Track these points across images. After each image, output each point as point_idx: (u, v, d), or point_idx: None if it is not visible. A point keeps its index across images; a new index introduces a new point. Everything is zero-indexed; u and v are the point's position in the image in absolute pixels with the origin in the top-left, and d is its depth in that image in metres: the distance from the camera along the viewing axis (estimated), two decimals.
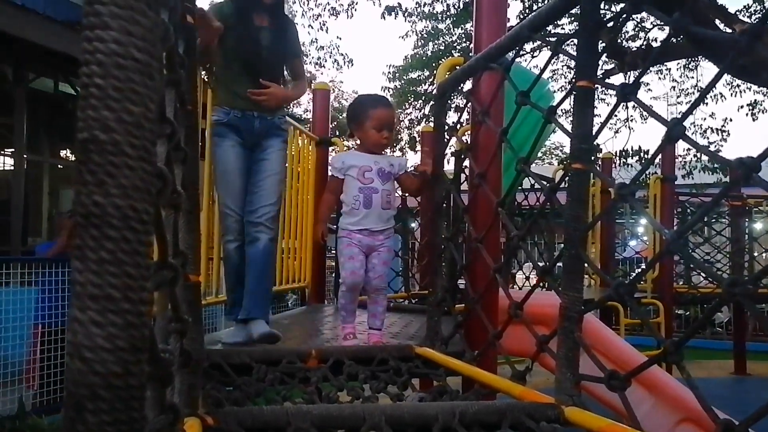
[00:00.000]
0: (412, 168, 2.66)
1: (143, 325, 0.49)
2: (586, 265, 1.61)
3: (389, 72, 17.03)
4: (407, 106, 17.43)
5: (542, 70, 1.84)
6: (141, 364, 0.49)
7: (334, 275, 5.16)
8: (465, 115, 3.03)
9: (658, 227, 5.91)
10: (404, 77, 17.08)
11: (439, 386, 1.96)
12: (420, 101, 16.88)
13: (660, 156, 6.40)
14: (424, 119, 17.06)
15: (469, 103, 2.43)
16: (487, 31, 2.53)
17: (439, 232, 2.47)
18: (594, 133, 1.56)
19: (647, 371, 1.42)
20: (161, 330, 0.99)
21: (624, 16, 1.79)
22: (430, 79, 16.76)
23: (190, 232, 1.30)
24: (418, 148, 15.06)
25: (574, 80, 1.59)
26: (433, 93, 2.92)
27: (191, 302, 1.34)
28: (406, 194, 4.15)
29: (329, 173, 2.61)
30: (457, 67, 2.61)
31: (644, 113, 14.96)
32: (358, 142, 2.62)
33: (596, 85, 1.57)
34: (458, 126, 2.73)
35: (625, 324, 5.14)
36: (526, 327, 1.73)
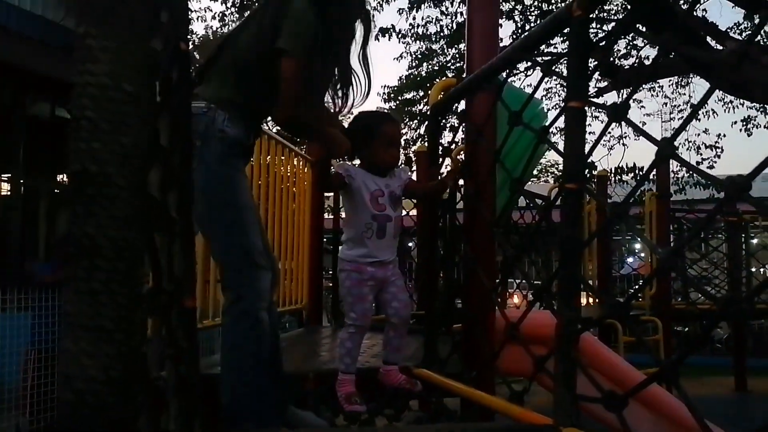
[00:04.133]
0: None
1: (137, 355, 0.49)
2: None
3: (384, 93, 17.12)
4: (403, 127, 17.51)
5: (534, 90, 1.85)
6: (134, 394, 0.49)
7: (331, 296, 5.15)
8: (460, 134, 3.05)
9: (651, 246, 5.92)
10: (399, 98, 17.17)
11: (438, 407, 1.95)
12: (415, 121, 16.96)
13: (655, 173, 6.44)
14: (420, 139, 17.14)
15: (463, 124, 2.45)
16: (479, 51, 2.54)
17: (434, 252, 2.48)
18: (586, 153, 1.57)
19: (647, 389, 1.42)
20: (156, 355, 0.99)
21: (614, 36, 1.81)
22: (425, 99, 16.87)
23: (186, 257, 1.30)
24: (414, 167, 15.14)
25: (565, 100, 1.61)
26: (427, 113, 2.87)
27: (187, 327, 1.34)
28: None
29: (336, 170, 2.32)
30: (451, 88, 2.63)
31: (634, 132, 15.05)
32: (358, 162, 2.43)
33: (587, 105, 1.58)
34: (453, 146, 2.74)
35: (624, 341, 5.13)
36: (523, 347, 1.73)
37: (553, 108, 13.48)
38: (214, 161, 1.88)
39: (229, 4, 11.38)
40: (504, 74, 2.05)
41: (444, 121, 2.81)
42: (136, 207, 0.44)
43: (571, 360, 1.50)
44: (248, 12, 2.27)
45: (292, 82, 1.88)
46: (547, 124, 1.76)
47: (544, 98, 13.27)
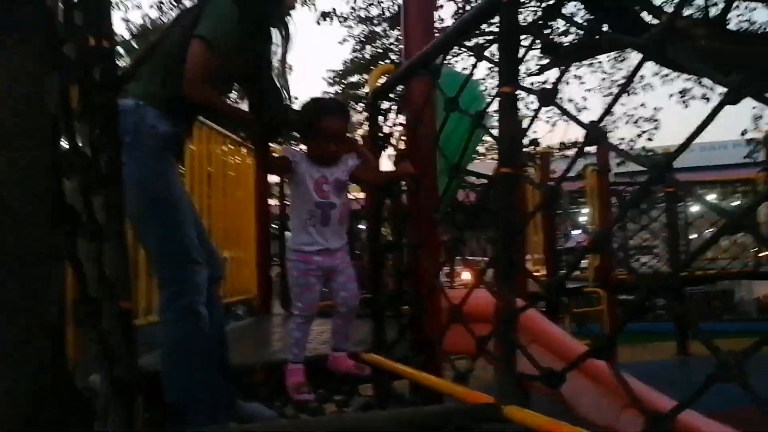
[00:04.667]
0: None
1: (54, 368, 0.48)
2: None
3: (329, 77, 17.01)
4: (349, 110, 17.44)
5: (469, 75, 1.87)
6: (51, 409, 0.48)
7: (280, 283, 5.11)
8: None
9: (583, 228, 6.07)
10: (344, 81, 17.09)
11: (386, 391, 1.98)
12: (361, 104, 16.92)
13: (596, 149, 6.59)
14: (367, 122, 17.10)
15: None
16: (414, 37, 2.55)
17: (379, 237, 2.49)
18: (521, 136, 1.60)
19: (589, 361, 1.46)
20: (87, 363, 0.98)
21: (549, 15, 1.82)
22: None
23: (119, 257, 1.28)
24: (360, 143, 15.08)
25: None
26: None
27: (123, 330, 1.32)
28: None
29: (283, 154, 2.27)
30: (389, 73, 2.64)
31: (579, 105, 15.39)
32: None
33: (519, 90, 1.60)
34: (393, 131, 2.75)
35: (572, 313, 5.28)
36: (466, 329, 1.76)
37: (494, 88, 13.57)
38: (145, 157, 1.86)
39: None
40: (440, 60, 2.06)
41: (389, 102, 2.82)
42: (45, 220, 0.43)
43: (510, 342, 1.54)
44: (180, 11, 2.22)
45: (196, 61, 1.89)
46: (483, 107, 1.78)
47: (486, 78, 13.41)
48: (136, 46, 12.85)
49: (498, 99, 1.59)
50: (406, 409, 1.58)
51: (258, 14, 2.00)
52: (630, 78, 1.32)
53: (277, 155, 2.27)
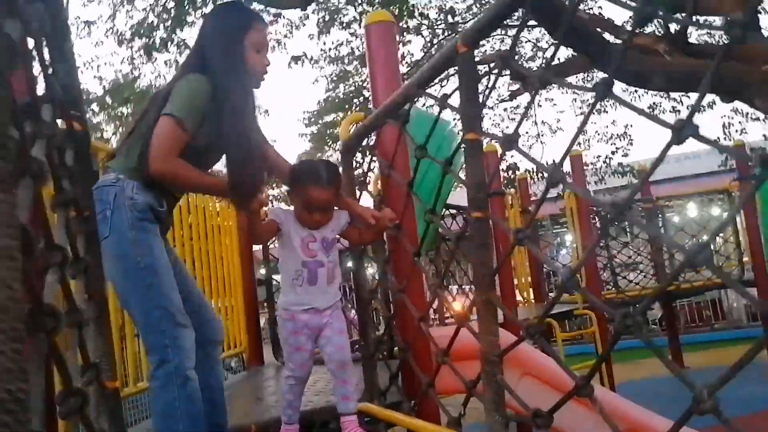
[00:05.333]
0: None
1: None
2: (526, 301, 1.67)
3: (305, 118, 17.18)
4: (327, 149, 17.60)
5: (436, 119, 1.92)
6: None
7: (270, 331, 5.07)
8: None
9: (554, 267, 6.12)
10: (320, 121, 17.27)
11: None
12: (338, 143, 17.08)
13: (572, 172, 6.69)
14: (341, 169, 17.21)
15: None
16: (382, 85, 2.62)
17: (364, 284, 2.51)
18: (489, 180, 1.65)
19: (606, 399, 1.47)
20: None
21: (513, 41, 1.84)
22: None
23: (101, 337, 1.29)
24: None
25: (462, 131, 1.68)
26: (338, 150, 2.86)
27: (112, 409, 1.32)
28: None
29: (270, 217, 2.23)
30: (358, 122, 2.69)
31: (553, 128, 15.66)
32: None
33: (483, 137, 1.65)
34: (369, 176, 2.79)
35: (561, 338, 5.31)
36: (453, 372, 1.78)
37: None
38: (125, 227, 1.89)
39: (135, 49, 11.16)
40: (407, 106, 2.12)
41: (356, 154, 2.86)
42: (11, 357, 0.45)
43: (497, 383, 1.55)
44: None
45: (159, 138, 1.94)
46: (452, 153, 1.83)
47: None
48: (109, 101, 12.92)
49: (464, 146, 1.64)
50: None
51: (228, 88, 2.03)
52: (592, 107, 1.38)
53: (263, 221, 2.21)
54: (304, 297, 2.11)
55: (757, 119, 13.53)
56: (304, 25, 13.82)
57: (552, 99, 16.29)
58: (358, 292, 2.55)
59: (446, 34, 14.32)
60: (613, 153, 16.41)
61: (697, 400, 1.01)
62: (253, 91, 2.19)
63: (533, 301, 6.85)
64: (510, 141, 1.52)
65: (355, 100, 16.36)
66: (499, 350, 1.58)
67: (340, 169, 2.45)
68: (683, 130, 0.97)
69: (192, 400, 1.92)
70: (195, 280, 2.25)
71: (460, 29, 14.65)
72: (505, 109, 14.50)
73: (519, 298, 6.77)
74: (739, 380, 1.03)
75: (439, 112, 1.86)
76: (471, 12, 13.94)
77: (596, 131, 15.67)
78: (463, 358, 2.06)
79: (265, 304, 5.04)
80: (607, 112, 15.52)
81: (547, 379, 2.85)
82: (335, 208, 2.20)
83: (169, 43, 10.27)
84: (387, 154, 2.31)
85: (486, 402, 1.58)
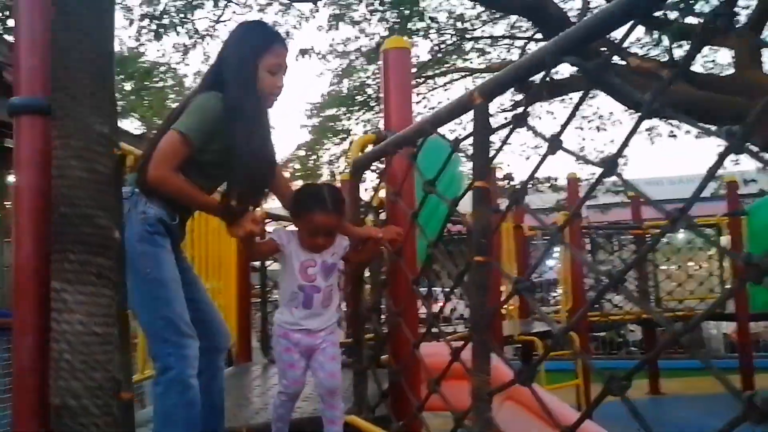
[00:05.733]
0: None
1: None
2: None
3: (307, 110, 17.24)
4: (326, 142, 17.67)
5: (447, 161, 2.01)
6: None
7: (260, 327, 5.14)
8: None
9: (587, 264, 6.23)
10: (322, 114, 17.32)
11: None
12: (338, 138, 17.12)
13: (568, 193, 6.80)
14: (344, 155, 17.31)
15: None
16: (395, 111, 2.70)
17: (361, 303, 2.60)
18: (493, 228, 1.74)
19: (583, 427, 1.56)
20: None
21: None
22: (347, 116, 17.08)
23: (124, 354, 1.38)
24: (338, 183, 15.30)
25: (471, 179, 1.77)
26: (349, 168, 2.91)
27: (125, 419, 1.42)
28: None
29: (270, 236, 2.24)
30: (369, 144, 2.78)
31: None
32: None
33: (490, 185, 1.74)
34: (374, 197, 2.87)
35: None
36: (444, 401, 1.88)
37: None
38: (135, 240, 1.96)
39: (142, 26, 11.15)
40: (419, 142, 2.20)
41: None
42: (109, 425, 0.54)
43: (485, 419, 1.65)
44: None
45: (162, 149, 2.01)
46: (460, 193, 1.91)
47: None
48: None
49: (472, 192, 1.73)
50: None
51: (239, 108, 2.08)
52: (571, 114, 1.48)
53: (263, 240, 2.24)
54: (298, 318, 2.16)
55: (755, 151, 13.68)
56: (314, 17, 13.85)
57: (552, 112, 16.46)
58: (354, 308, 2.64)
59: (454, 40, 14.45)
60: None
61: None
62: (267, 112, 2.25)
63: (519, 318, 6.97)
64: (516, 197, 1.62)
65: (358, 97, 16.43)
66: (490, 389, 1.67)
67: (345, 192, 2.52)
68: (743, 142, 1.02)
69: (191, 406, 2.01)
70: (205, 289, 2.31)
71: (468, 36, 14.77)
72: (506, 118, 14.65)
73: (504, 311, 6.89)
74: (704, 410, 1.11)
75: (451, 153, 1.94)
76: (480, 19, 14.05)
77: (594, 148, 15.84)
78: (453, 378, 2.13)
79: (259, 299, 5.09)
80: (606, 129, 15.69)
81: (530, 405, 2.95)
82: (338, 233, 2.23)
83: (179, 27, 10.29)
84: (395, 182, 2.39)
85: None
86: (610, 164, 1.35)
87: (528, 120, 1.62)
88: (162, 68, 13.92)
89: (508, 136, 1.71)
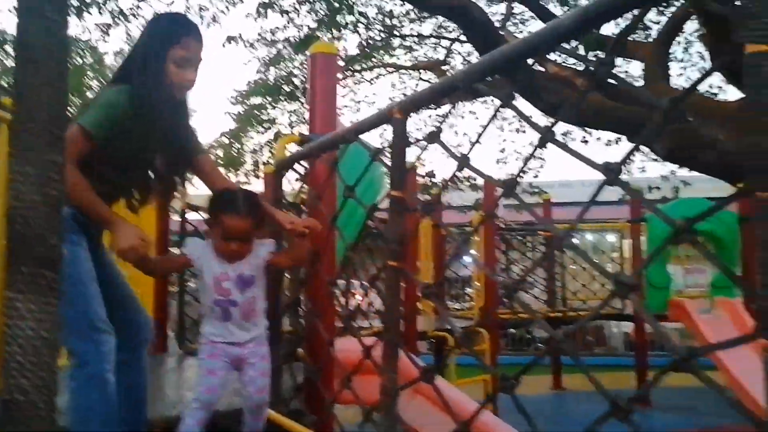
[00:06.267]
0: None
1: None
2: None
3: (233, 97, 17.00)
4: (251, 131, 17.48)
5: (366, 169, 2.11)
6: None
7: (177, 316, 5.09)
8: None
9: (474, 258, 6.48)
10: (247, 102, 17.12)
11: None
12: (263, 127, 16.98)
13: (485, 194, 7.07)
14: (267, 145, 17.18)
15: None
16: (320, 112, 2.79)
17: (279, 298, 2.68)
18: (406, 236, 1.87)
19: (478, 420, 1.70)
20: None
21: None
22: (273, 105, 16.96)
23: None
24: (261, 174, 15.20)
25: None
26: (272, 165, 2.95)
27: None
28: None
29: (182, 249, 2.17)
30: (293, 143, 2.86)
31: (472, 139, 16.26)
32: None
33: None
34: (297, 195, 2.95)
35: (455, 352, 5.64)
36: (355, 397, 2.00)
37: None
38: None
39: None
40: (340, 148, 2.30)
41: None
42: (54, 423, 0.61)
43: (392, 414, 1.78)
44: None
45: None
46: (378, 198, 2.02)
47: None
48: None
49: (389, 201, 1.85)
50: None
51: (145, 101, 2.07)
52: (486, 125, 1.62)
53: (174, 255, 2.24)
54: (221, 330, 2.11)
55: (656, 160, 14.64)
56: (242, 2, 13.66)
57: (474, 112, 16.93)
58: (273, 303, 2.71)
59: (383, 36, 14.62)
60: (524, 172, 17.21)
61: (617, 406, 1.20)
62: (182, 104, 2.23)
63: (434, 314, 7.20)
64: (427, 208, 1.75)
65: (285, 87, 16.34)
66: (398, 386, 1.80)
67: (268, 190, 2.59)
68: (616, 175, 1.17)
69: (107, 402, 2.00)
70: (127, 283, 2.30)
71: (396, 33, 14.96)
72: (429, 116, 14.98)
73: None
74: (604, 405, 1.24)
75: (369, 164, 2.05)
76: (408, 17, 14.28)
77: (514, 149, 16.43)
78: (366, 373, 2.24)
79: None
80: (525, 131, 16.27)
81: (436, 400, 3.12)
82: (255, 239, 2.16)
83: (102, 6, 9.94)
84: (317, 185, 2.49)
85: (380, 430, 1.80)
86: (509, 185, 1.49)
87: (440, 137, 1.76)
88: (82, 45, 13.42)
89: (421, 153, 1.84)
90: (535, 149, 1.62)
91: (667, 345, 1.04)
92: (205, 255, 2.11)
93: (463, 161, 1.62)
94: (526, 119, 1.65)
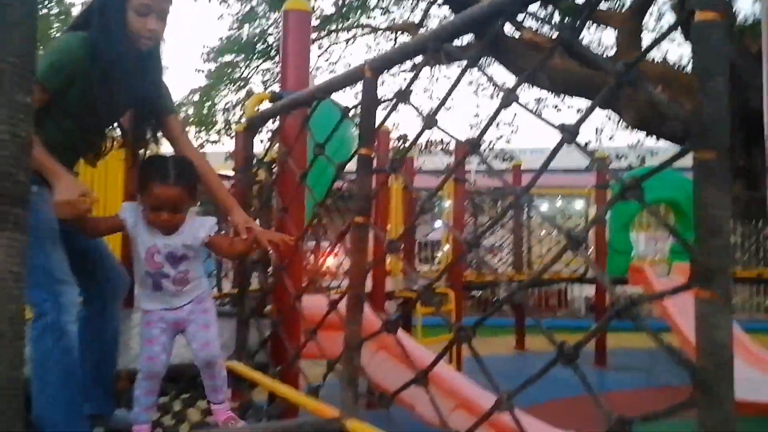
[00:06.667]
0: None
1: None
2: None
3: (204, 54, 16.64)
4: (222, 89, 17.20)
5: (336, 126, 2.13)
6: None
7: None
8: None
9: (444, 223, 6.57)
10: (219, 59, 16.79)
11: (246, 401, 2.22)
12: (235, 85, 16.72)
13: (454, 157, 7.12)
14: (240, 105, 16.94)
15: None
16: (291, 69, 2.79)
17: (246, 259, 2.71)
18: (372, 196, 1.90)
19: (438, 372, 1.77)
20: None
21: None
22: (246, 63, 16.68)
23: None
24: (232, 133, 15.02)
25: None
26: (244, 122, 2.93)
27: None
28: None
29: (119, 212, 2.06)
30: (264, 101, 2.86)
31: (447, 105, 16.27)
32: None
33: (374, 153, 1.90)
34: (266, 153, 2.96)
35: (421, 312, 5.75)
36: (320, 351, 2.06)
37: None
38: None
39: None
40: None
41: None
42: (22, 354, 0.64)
43: (354, 366, 1.84)
44: None
45: None
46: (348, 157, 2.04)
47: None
48: None
49: (357, 159, 1.88)
50: (260, 423, 1.83)
51: (102, 49, 1.99)
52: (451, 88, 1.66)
53: (112, 217, 2.07)
54: (154, 299, 2.05)
55: (627, 128, 14.88)
56: None
57: (448, 77, 16.89)
58: (240, 262, 2.74)
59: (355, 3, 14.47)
60: (497, 138, 17.40)
61: (499, 401, 1.33)
62: (148, 57, 2.13)
63: (403, 275, 7.29)
64: (431, 121, 1.77)
65: (258, 45, 16.06)
66: (361, 338, 1.86)
67: (239, 147, 2.59)
68: (573, 136, 1.21)
69: (67, 352, 1.97)
70: (102, 239, 2.25)
71: None
72: (405, 78, 14.91)
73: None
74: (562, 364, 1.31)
75: (339, 121, 2.07)
76: None
77: (487, 114, 16.49)
78: (330, 329, 2.29)
79: None
80: (498, 98, 16.30)
81: (398, 354, 3.21)
82: (199, 217, 2.13)
83: None
84: (288, 141, 2.50)
85: (342, 380, 1.86)
86: (473, 144, 1.53)
87: (410, 97, 1.79)
88: None
89: (391, 110, 1.86)
90: (499, 109, 1.66)
91: (612, 294, 1.10)
92: (139, 224, 2.02)
93: (431, 121, 1.65)
94: (491, 80, 1.69)
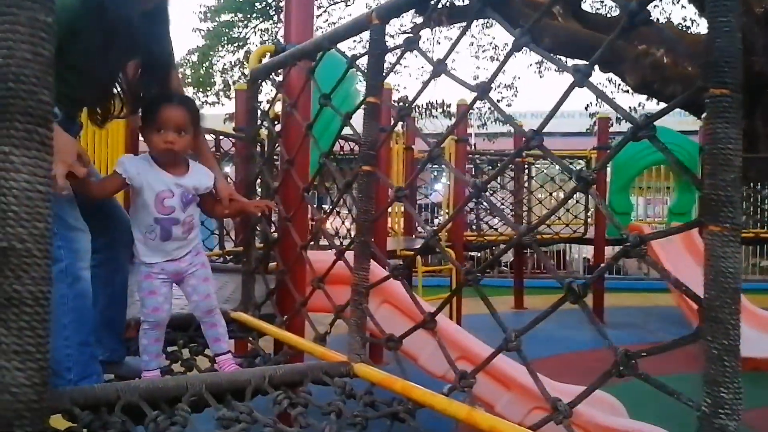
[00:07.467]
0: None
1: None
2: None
3: (201, 12, 16.42)
4: (221, 50, 17.01)
5: (343, 76, 2.13)
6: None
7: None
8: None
9: (461, 177, 6.58)
10: (217, 19, 16.57)
11: (253, 350, 2.26)
12: (234, 46, 16.54)
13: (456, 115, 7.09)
14: (238, 64, 16.77)
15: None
16: (295, 22, 2.77)
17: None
18: (380, 141, 1.91)
19: (433, 321, 1.80)
20: None
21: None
22: (244, 23, 16.47)
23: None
24: (232, 94, 14.90)
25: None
26: (246, 76, 2.90)
27: None
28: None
29: (115, 168, 2.03)
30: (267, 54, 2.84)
31: (448, 67, 16.16)
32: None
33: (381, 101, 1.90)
34: (270, 107, 2.95)
35: (422, 271, 5.79)
36: (327, 298, 2.08)
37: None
38: None
39: None
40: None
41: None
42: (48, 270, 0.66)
43: (361, 310, 1.87)
44: None
45: None
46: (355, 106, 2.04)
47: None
48: None
49: (365, 107, 1.88)
50: (270, 366, 1.87)
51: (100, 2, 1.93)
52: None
53: (107, 176, 2.04)
54: (158, 252, 2.05)
55: (627, 91, 14.77)
56: None
57: (450, 38, 16.68)
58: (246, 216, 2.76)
59: None
60: (498, 101, 17.29)
61: (507, 340, 1.36)
62: (154, 12, 2.09)
63: (402, 235, 7.33)
64: (404, 111, 1.79)
65: (257, 4, 15.84)
66: (368, 284, 1.89)
67: (242, 101, 2.58)
68: (585, 77, 1.21)
69: (81, 297, 2.02)
70: None
71: None
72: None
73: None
74: (560, 324, 1.37)
75: (346, 71, 2.06)
76: None
77: (487, 77, 16.37)
78: (335, 283, 2.33)
79: None
80: (499, 59, 16.15)
81: (403, 308, 3.24)
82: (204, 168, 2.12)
83: None
84: (292, 93, 2.49)
85: (350, 324, 1.90)
86: (483, 88, 1.54)
87: (419, 44, 1.78)
88: None
89: (399, 58, 1.86)
90: (506, 59, 1.66)
91: (615, 224, 1.11)
92: (145, 170, 2.01)
93: (440, 67, 1.65)
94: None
